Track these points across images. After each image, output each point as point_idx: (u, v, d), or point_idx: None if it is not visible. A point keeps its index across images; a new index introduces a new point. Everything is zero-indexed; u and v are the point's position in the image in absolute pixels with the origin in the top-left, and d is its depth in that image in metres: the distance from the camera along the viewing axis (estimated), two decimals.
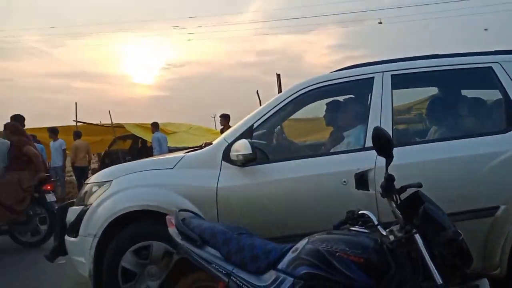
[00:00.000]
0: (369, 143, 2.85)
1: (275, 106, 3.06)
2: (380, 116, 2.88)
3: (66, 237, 3.26)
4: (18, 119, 6.35)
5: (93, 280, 3.03)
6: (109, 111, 11.71)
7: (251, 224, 2.83)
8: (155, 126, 11.00)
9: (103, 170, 3.45)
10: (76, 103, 11.52)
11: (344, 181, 2.75)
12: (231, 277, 2.06)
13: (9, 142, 5.80)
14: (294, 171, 2.89)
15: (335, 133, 3.42)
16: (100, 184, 3.19)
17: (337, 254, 1.82)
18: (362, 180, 2.72)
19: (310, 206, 2.82)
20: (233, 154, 2.86)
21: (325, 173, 2.83)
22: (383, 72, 2.99)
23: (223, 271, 2.09)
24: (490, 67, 2.89)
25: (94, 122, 13.15)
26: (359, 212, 2.00)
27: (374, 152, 2.76)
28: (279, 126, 3.69)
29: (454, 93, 3.28)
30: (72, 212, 3.27)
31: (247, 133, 2.97)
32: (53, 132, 10.23)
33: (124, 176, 3.13)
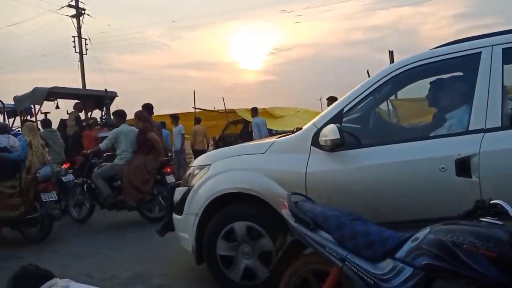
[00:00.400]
0: (473, 126, 2.58)
1: (368, 89, 2.93)
2: (487, 95, 2.57)
3: (174, 215, 3.62)
4: (147, 108, 7.07)
5: (195, 254, 3.33)
6: (222, 98, 12.49)
7: None
8: (254, 111, 11.36)
9: (204, 154, 3.72)
10: (194, 91, 12.53)
11: (443, 167, 2.53)
12: (346, 262, 2.04)
13: (137, 129, 6.52)
14: (386, 157, 2.75)
15: (438, 115, 3.15)
16: (201, 167, 3.46)
17: (464, 246, 1.68)
18: (463, 166, 2.50)
19: (403, 193, 2.66)
20: (321, 139, 2.84)
21: (420, 158, 2.64)
22: (492, 46, 2.65)
23: (337, 256, 2.08)
24: None
25: (209, 108, 14.07)
26: (491, 202, 1.82)
27: (478, 136, 2.53)
28: (376, 109, 3.54)
29: None
30: (178, 192, 3.61)
31: (337, 118, 2.91)
32: (174, 118, 11.27)
33: (221, 160, 3.35)
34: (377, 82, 2.91)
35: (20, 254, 5.02)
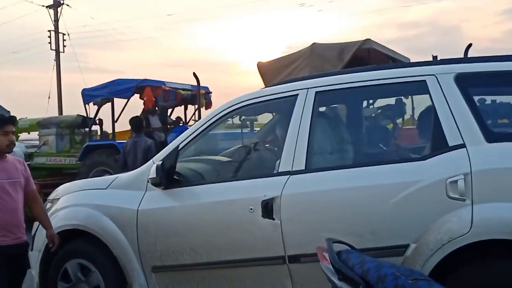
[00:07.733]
0: (282, 168, 2.64)
1: (200, 127, 2.97)
2: (296, 138, 2.63)
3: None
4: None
5: None
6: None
7: (164, 249, 2.83)
8: None
9: (60, 187, 3.67)
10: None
11: (251, 209, 2.57)
12: None
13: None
14: (206, 196, 2.78)
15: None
16: (52, 201, 3.43)
17: None
18: (268, 208, 2.54)
19: (218, 233, 2.69)
20: (148, 177, 2.86)
21: (234, 199, 2.67)
22: (308, 88, 2.73)
23: None
24: (424, 81, 2.47)
25: None
26: None
27: (284, 178, 2.59)
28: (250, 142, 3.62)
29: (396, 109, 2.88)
30: (34, 226, 3.55)
31: (172, 155, 2.93)
32: None
33: (68, 195, 3.32)
34: (208, 121, 2.97)
35: None
